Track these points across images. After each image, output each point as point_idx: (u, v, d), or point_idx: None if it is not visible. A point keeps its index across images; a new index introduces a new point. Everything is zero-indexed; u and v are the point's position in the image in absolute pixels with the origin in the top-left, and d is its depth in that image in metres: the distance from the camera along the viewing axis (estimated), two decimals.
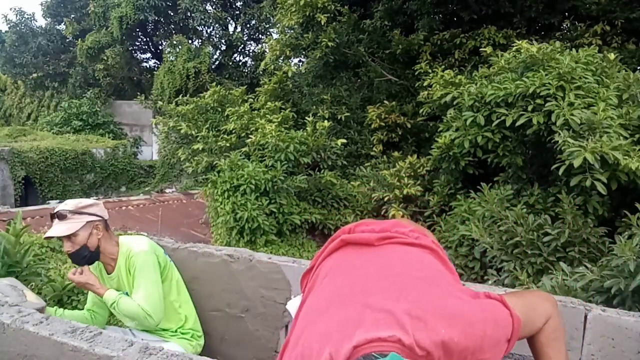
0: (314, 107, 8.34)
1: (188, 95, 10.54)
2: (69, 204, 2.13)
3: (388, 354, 0.93)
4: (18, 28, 19.85)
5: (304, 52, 9.25)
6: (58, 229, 2.07)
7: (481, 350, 1.07)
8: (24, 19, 19.96)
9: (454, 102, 5.44)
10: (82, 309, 2.46)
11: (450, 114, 5.45)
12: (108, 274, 2.20)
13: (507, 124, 4.53)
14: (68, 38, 20.33)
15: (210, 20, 17.59)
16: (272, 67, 9.55)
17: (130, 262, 2.11)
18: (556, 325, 1.23)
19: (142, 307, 2.02)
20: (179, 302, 2.24)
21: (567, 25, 8.15)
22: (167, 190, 14.16)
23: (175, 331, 2.21)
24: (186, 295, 2.29)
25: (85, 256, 2.11)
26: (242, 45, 19.18)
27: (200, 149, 7.54)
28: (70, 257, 2.15)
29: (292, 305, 1.43)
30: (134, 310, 2.03)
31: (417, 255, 1.28)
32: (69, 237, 2.08)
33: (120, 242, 2.19)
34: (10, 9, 25.32)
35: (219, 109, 8.51)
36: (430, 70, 7.04)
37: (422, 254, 1.29)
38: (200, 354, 1.45)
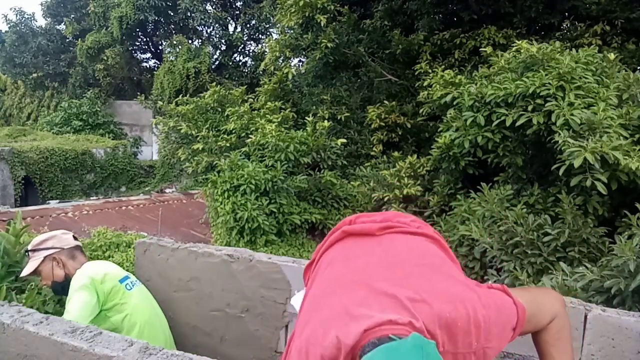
0: (314, 107, 8.34)
1: (188, 95, 10.53)
2: (31, 243, 2.19)
3: (407, 336, 0.92)
4: (18, 28, 19.84)
5: (303, 53, 9.24)
6: (26, 268, 2.15)
7: (486, 337, 1.06)
8: (24, 19, 19.95)
9: (454, 102, 5.44)
10: None
11: (450, 114, 5.44)
12: None
13: (507, 124, 4.53)
14: (68, 38, 20.32)
15: (210, 20, 17.59)
16: (272, 67, 9.54)
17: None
18: (562, 325, 1.22)
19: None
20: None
21: (567, 25, 8.15)
22: (167, 190, 14.16)
23: None
24: (131, 327, 2.14)
25: (61, 289, 2.15)
26: (242, 45, 19.18)
27: (200, 149, 7.54)
28: (53, 292, 2.21)
29: (296, 300, 1.44)
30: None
31: (419, 243, 1.29)
32: (37, 274, 2.14)
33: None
34: (10, 9, 25.33)
35: (219, 109, 8.51)
36: (430, 70, 7.04)
37: (424, 243, 1.29)
38: (200, 354, 1.45)
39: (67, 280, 2.13)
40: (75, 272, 2.13)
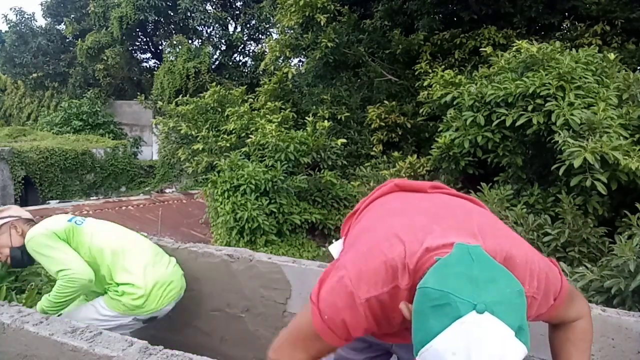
0: (314, 107, 8.34)
1: (188, 95, 10.53)
2: None
3: None
4: (18, 28, 19.83)
5: (303, 52, 9.24)
6: None
7: (538, 287, 1.04)
8: (24, 19, 19.94)
9: (454, 102, 5.44)
10: None
11: (450, 114, 5.44)
12: None
13: (507, 124, 4.53)
14: (68, 38, 20.31)
15: (210, 20, 17.58)
16: (272, 67, 9.54)
17: (31, 253, 2.10)
18: (588, 328, 1.21)
19: (63, 277, 2.00)
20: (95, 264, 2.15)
21: (567, 25, 8.14)
22: (167, 190, 14.16)
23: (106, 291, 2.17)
24: (100, 254, 2.15)
25: (21, 258, 2.15)
26: (242, 45, 19.17)
27: (200, 149, 7.54)
28: (12, 266, 2.22)
29: (334, 248, 1.41)
30: (62, 290, 2.01)
31: (469, 203, 1.30)
32: None
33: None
34: (10, 9, 25.31)
35: (219, 109, 8.50)
36: (430, 70, 7.04)
37: (474, 204, 1.31)
38: (200, 354, 1.44)
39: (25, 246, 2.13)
40: (24, 238, 2.13)
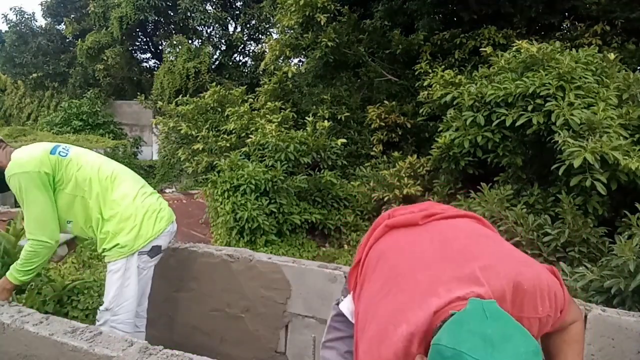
0: (314, 107, 8.33)
1: (188, 95, 10.52)
2: None
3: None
4: (18, 28, 19.81)
5: (303, 52, 9.24)
6: None
7: (550, 305, 1.04)
8: (24, 19, 19.91)
9: (454, 102, 5.43)
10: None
11: (450, 114, 5.44)
12: None
13: (507, 124, 4.53)
14: (68, 38, 20.28)
15: (210, 20, 17.55)
16: (272, 67, 9.53)
17: (10, 185, 2.06)
18: (581, 329, 1.23)
19: (33, 244, 2.00)
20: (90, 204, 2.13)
21: (567, 25, 8.14)
22: (167, 190, 14.13)
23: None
24: (88, 184, 2.14)
25: None
26: (242, 45, 19.15)
27: (200, 149, 7.54)
28: None
29: (345, 306, 1.40)
30: (27, 257, 2.01)
31: (465, 223, 1.29)
32: None
33: (11, 157, 2.12)
34: (10, 9, 25.26)
35: (219, 109, 8.50)
36: (430, 70, 7.03)
37: (469, 222, 1.30)
38: (200, 354, 1.44)
39: (0, 172, 2.09)
40: (7, 162, 2.08)
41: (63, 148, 2.18)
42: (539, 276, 1.06)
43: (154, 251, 2.17)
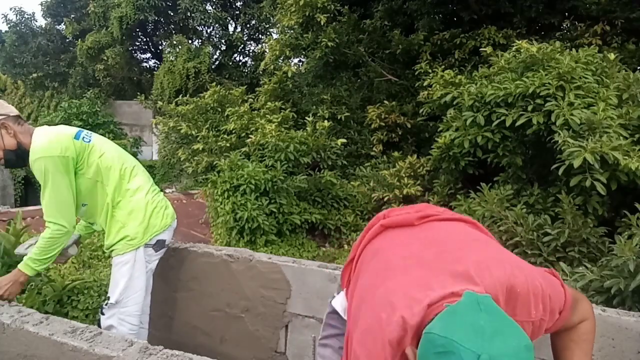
0: (314, 107, 8.33)
1: (188, 95, 10.52)
2: None
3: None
4: (18, 28, 19.81)
5: (303, 52, 9.24)
6: None
7: (544, 308, 1.04)
8: (24, 19, 19.92)
9: (454, 102, 5.43)
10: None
11: (450, 114, 5.44)
12: None
13: (507, 124, 4.53)
14: (68, 38, 20.27)
15: (210, 20, 17.55)
16: (272, 67, 9.53)
17: (32, 168, 2.07)
18: (591, 328, 1.21)
19: (54, 231, 2.02)
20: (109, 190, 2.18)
21: (567, 25, 8.14)
22: (167, 190, 14.12)
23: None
24: (107, 172, 2.19)
25: (16, 159, 2.11)
26: (242, 45, 19.15)
27: (200, 149, 7.53)
28: (6, 166, 2.17)
29: (337, 302, 1.41)
30: (46, 245, 2.03)
31: (459, 227, 1.29)
32: None
33: (32, 137, 2.11)
34: (10, 9, 25.26)
35: (219, 109, 8.50)
36: (430, 70, 7.03)
37: (464, 226, 1.30)
38: (200, 354, 1.44)
39: (20, 148, 2.08)
40: (24, 139, 2.08)
41: (86, 134, 2.21)
42: (533, 280, 1.06)
43: (159, 245, 2.24)
